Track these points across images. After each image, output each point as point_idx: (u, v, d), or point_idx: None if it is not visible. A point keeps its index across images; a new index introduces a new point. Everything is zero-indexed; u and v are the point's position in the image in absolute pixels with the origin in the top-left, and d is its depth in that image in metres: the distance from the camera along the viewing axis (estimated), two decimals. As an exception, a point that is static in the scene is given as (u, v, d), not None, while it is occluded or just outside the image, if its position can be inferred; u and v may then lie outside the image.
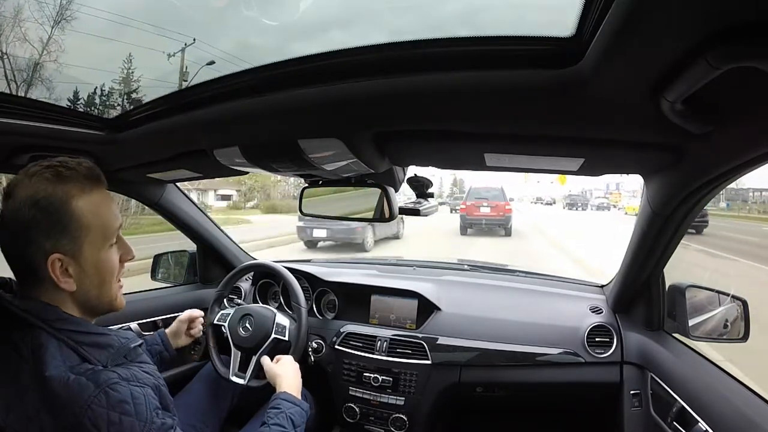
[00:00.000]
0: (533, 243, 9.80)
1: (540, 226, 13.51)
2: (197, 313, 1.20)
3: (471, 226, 10.70)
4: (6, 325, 0.62)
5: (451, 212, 16.50)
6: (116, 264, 0.68)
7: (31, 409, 0.58)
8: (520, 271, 1.63)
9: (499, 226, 10.66)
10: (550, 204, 37.51)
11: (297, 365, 1.10)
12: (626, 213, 19.23)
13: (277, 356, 1.12)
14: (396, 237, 10.11)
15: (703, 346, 1.09)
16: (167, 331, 1.16)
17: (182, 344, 1.18)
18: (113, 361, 0.63)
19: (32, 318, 0.61)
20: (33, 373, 0.58)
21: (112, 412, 0.57)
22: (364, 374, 1.30)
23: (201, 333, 1.23)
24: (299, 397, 0.99)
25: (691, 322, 1.02)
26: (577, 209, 24.77)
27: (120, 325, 1.26)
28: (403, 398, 1.27)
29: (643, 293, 1.16)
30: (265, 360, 1.11)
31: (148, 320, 1.39)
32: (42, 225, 0.60)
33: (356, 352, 1.32)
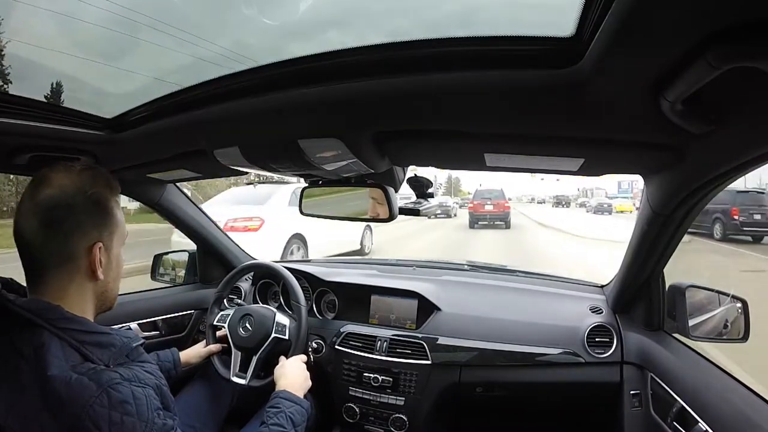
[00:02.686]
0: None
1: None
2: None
3: (478, 221, 13.05)
4: (7, 324, 0.62)
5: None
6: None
7: (32, 408, 0.58)
8: (519, 271, 1.63)
9: (500, 220, 13.10)
10: (542, 203, 50.23)
11: (302, 364, 1.10)
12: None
13: (282, 358, 1.12)
14: (456, 216, 17.51)
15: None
16: (185, 351, 1.21)
17: (193, 363, 1.23)
18: (115, 360, 0.63)
19: (34, 317, 0.61)
20: (34, 372, 0.58)
21: (113, 412, 0.57)
22: (364, 374, 1.30)
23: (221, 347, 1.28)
24: (302, 395, 0.98)
25: (691, 322, 1.02)
26: (561, 206, 34.92)
27: (120, 325, 1.26)
28: (403, 398, 1.27)
29: (643, 293, 1.15)
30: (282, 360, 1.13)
31: (148, 320, 1.40)
32: (93, 214, 0.66)
33: (356, 352, 1.32)
